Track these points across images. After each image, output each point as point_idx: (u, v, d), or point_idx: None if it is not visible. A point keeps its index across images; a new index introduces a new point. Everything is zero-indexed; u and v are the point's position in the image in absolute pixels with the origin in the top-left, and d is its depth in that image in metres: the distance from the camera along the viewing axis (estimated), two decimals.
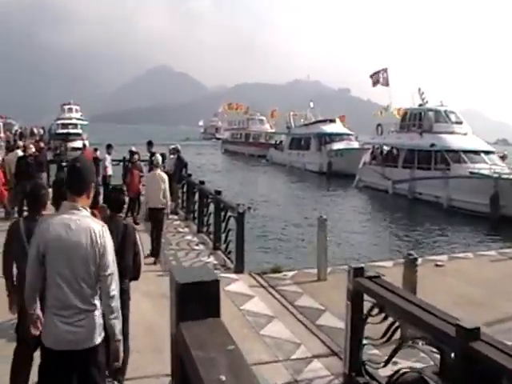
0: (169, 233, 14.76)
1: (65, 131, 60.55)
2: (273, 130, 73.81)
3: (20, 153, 16.01)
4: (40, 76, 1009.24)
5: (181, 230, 15.64)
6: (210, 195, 14.58)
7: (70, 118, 66.35)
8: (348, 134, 52.31)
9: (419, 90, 35.56)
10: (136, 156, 16.74)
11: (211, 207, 14.62)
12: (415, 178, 31.53)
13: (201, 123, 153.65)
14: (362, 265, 6.63)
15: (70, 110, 69.66)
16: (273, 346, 7.47)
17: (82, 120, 68.83)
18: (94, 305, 3.67)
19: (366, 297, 6.10)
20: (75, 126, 64.07)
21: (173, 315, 2.74)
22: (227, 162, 66.28)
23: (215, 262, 12.06)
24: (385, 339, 5.63)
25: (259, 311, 8.94)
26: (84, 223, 3.62)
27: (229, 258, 12.27)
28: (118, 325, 3.76)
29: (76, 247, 3.55)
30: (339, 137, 51.00)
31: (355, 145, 48.85)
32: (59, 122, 65.30)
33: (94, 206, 4.84)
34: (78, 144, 57.27)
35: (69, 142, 56.41)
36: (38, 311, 3.81)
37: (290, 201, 31.15)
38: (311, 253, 17.20)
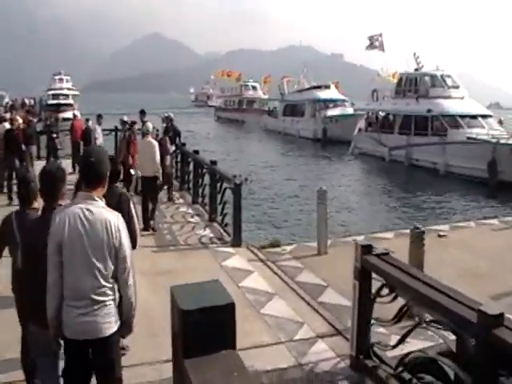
0: (162, 204, 14.39)
1: (56, 102, 60.02)
2: (266, 97, 72.95)
3: (7, 126, 15.46)
4: (29, 47, 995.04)
5: (175, 200, 15.24)
6: (204, 165, 14.15)
7: (61, 89, 65.75)
8: (343, 100, 51.71)
9: (414, 54, 34.90)
10: (136, 126, 16.23)
11: (206, 178, 14.23)
12: (412, 145, 31.15)
13: (192, 90, 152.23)
14: (369, 242, 6.24)
15: (61, 80, 68.96)
16: (274, 326, 7.13)
17: (73, 90, 67.93)
18: (110, 295, 3.69)
19: (373, 275, 5.75)
20: (66, 96, 63.49)
21: (175, 349, 2.18)
22: (220, 129, 65.69)
23: (211, 235, 11.69)
24: (395, 320, 5.30)
25: (259, 288, 8.60)
26: (100, 214, 3.62)
27: (225, 231, 11.90)
28: (133, 311, 3.88)
29: (92, 238, 3.56)
30: (334, 103, 50.50)
31: (350, 111, 48.31)
32: (50, 92, 64.72)
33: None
34: (69, 114, 56.96)
35: (60, 112, 55.69)
36: (57, 323, 3.71)
37: (285, 170, 30.63)
38: (309, 225, 16.91)
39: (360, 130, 42.08)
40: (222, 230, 12.06)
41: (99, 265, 3.58)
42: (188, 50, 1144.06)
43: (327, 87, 53.05)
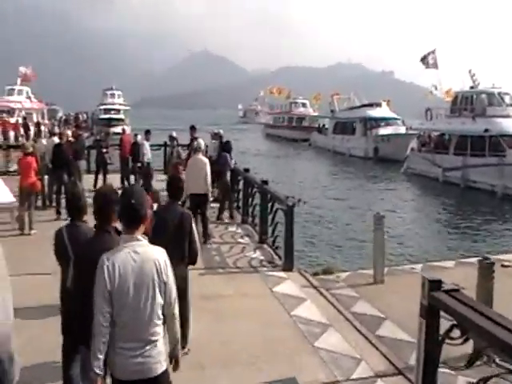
0: (211, 223, 14.07)
1: (107, 116, 61.15)
2: (316, 114, 72.46)
3: (56, 140, 15.49)
4: (81, 62, 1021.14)
5: (224, 219, 14.90)
6: (255, 185, 13.77)
7: (113, 104, 66.89)
8: (395, 119, 50.78)
9: (470, 71, 33.75)
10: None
11: (257, 197, 13.87)
12: (468, 166, 30.04)
13: (240, 107, 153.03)
14: (436, 276, 5.68)
15: (113, 95, 70.21)
16: (330, 361, 6.65)
17: (124, 105, 69.05)
18: (159, 333, 3.71)
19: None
20: (118, 111, 64.56)
21: None
22: (270, 146, 65.36)
23: (262, 258, 11.29)
24: (467, 365, 4.76)
25: (312, 318, 8.15)
26: (147, 254, 3.64)
27: (276, 254, 11.47)
28: (179, 345, 3.98)
29: (144, 281, 3.57)
30: (386, 121, 49.66)
31: (402, 130, 47.32)
32: (102, 107, 65.89)
33: (146, 190, 4.87)
34: (120, 129, 57.76)
35: (111, 127, 56.89)
36: (101, 371, 3.63)
37: (336, 190, 29.92)
38: (363, 250, 16.34)
39: (413, 149, 41.24)
40: (272, 253, 11.64)
41: (152, 306, 3.60)
42: (236, 66, 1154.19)
43: (379, 105, 52.28)
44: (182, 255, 6.02)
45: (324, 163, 47.24)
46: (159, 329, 3.69)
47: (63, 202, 14.48)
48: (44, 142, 16.76)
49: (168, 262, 3.71)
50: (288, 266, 10.49)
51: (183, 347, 5.88)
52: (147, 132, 18.49)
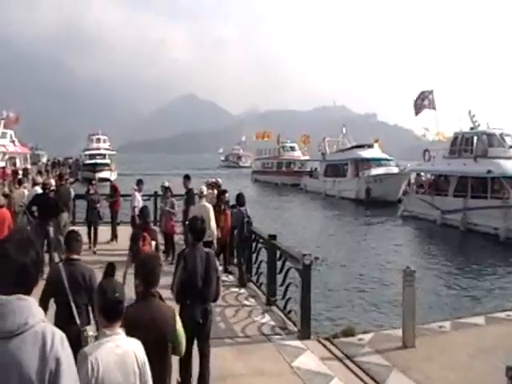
0: None
1: (92, 162, 59.99)
2: (306, 158, 71.49)
3: (39, 190, 14.12)
4: (66, 105, 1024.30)
5: (225, 278, 13.47)
6: (260, 239, 12.49)
7: (98, 149, 65.89)
8: (387, 160, 50.12)
9: (469, 112, 32.99)
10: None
11: (262, 253, 12.64)
12: (469, 208, 29.04)
13: (221, 151, 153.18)
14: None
15: (98, 140, 69.60)
16: None
17: (109, 150, 68.11)
18: None
19: None
20: (103, 156, 63.61)
21: None
22: (260, 192, 63.42)
23: (272, 323, 9.95)
24: None
25: None
26: (128, 347, 3.59)
27: (289, 319, 10.12)
28: None
29: (126, 371, 3.49)
30: (377, 162, 48.95)
31: (395, 170, 46.49)
32: (87, 152, 64.91)
33: (145, 228, 6.39)
34: (106, 174, 56.75)
35: (96, 172, 55.79)
36: None
37: (330, 238, 28.32)
38: (383, 306, 15.04)
39: (405, 192, 40.39)
40: (284, 318, 10.29)
41: None
42: (222, 110, 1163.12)
43: (370, 146, 51.74)
44: (210, 291, 6.54)
45: (315, 208, 45.72)
46: None
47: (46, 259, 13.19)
48: (26, 191, 15.35)
49: (143, 354, 3.67)
50: (305, 334, 9.19)
51: None
52: (139, 182, 16.64)
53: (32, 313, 2.41)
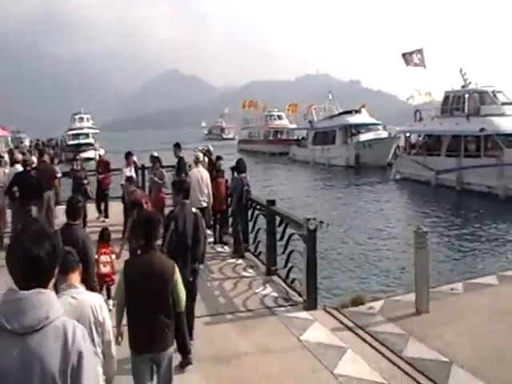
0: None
1: (76, 142, 58.60)
2: (293, 126, 70.41)
3: (19, 168, 13.24)
4: (52, 88, 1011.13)
5: (220, 249, 12.81)
6: (258, 206, 11.80)
7: (81, 128, 64.44)
8: (375, 124, 49.34)
9: (461, 70, 32.06)
10: (221, 161, 13.75)
11: (260, 220, 12.03)
12: (464, 167, 28.46)
13: (203, 124, 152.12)
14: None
15: (81, 119, 67.87)
16: None
17: (93, 129, 66.59)
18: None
19: None
20: (86, 135, 62.30)
21: None
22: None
23: (275, 295, 9.32)
24: None
25: (364, 376, 6.36)
26: (85, 301, 3.85)
27: (292, 289, 9.50)
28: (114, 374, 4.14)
29: (81, 321, 3.21)
30: (366, 127, 48.27)
31: (384, 135, 45.78)
32: (70, 132, 63.53)
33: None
34: (91, 154, 55.43)
35: (80, 152, 54.33)
36: None
37: (323, 204, 27.58)
38: (388, 270, 14.48)
39: (396, 154, 39.97)
40: (287, 288, 9.65)
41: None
42: (205, 84, 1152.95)
43: (358, 112, 50.64)
44: (198, 252, 6.65)
45: (305, 176, 44.83)
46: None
47: None
48: (6, 170, 14.40)
49: (103, 305, 3.93)
50: (312, 305, 8.57)
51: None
52: (127, 155, 14.96)
53: (52, 307, 2.33)
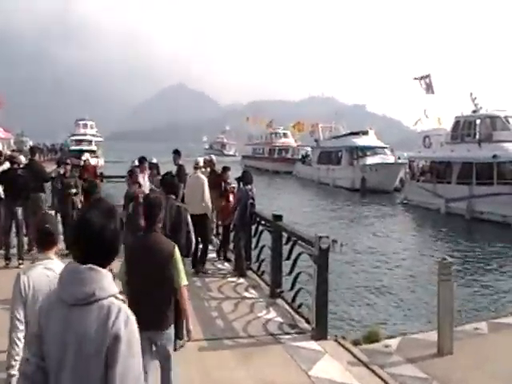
0: (202, 273, 11.03)
1: (78, 148, 57.83)
2: (298, 144, 69.63)
3: (7, 165, 12.26)
4: (56, 96, 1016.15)
5: (220, 266, 11.82)
6: (262, 221, 10.82)
7: (85, 134, 63.73)
8: (383, 147, 48.48)
9: (471, 94, 31.22)
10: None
11: (263, 237, 11.06)
12: (476, 195, 27.46)
13: (204, 139, 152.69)
14: None
15: (85, 125, 67.45)
16: None
17: (96, 136, 65.91)
18: None
19: None
20: (89, 142, 61.54)
21: None
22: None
23: (280, 320, 8.33)
24: None
25: None
26: (59, 270, 3.18)
27: (300, 315, 8.49)
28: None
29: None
30: (373, 150, 47.34)
31: (391, 159, 44.91)
32: (73, 138, 62.90)
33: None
34: (93, 161, 54.64)
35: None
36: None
37: (333, 225, 26.04)
38: (402, 304, 13.38)
39: (402, 179, 39.25)
40: (292, 313, 8.65)
41: None
42: (210, 100, 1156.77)
43: (365, 133, 49.90)
44: (178, 244, 5.62)
45: (308, 195, 43.85)
46: None
47: (14, 242, 11.44)
48: None
49: None
50: (321, 334, 7.57)
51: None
52: (142, 160, 13.31)
53: (101, 285, 2.37)
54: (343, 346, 7.40)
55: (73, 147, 59.42)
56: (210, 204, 11.28)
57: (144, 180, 12.50)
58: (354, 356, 7.08)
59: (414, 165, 37.01)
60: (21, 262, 10.81)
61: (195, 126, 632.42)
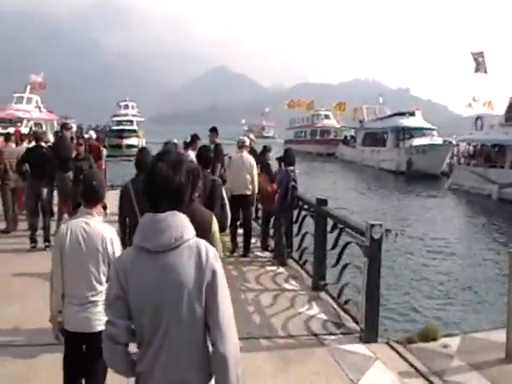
0: (240, 261, 10.19)
1: (119, 128, 58.10)
2: (341, 125, 67.96)
3: (25, 145, 11.60)
4: (100, 81, 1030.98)
5: (259, 253, 10.95)
6: (305, 205, 9.87)
7: (126, 115, 63.93)
8: (430, 129, 46.41)
9: None
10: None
11: (306, 223, 10.13)
12: None
13: (243, 121, 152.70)
14: None
15: (126, 106, 67.71)
16: None
17: (138, 117, 65.89)
18: (99, 295, 4.09)
19: None
20: (131, 122, 61.72)
21: None
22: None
23: (323, 317, 7.43)
24: None
25: None
26: (97, 228, 4.16)
27: (347, 312, 7.55)
28: None
29: (89, 245, 4.09)
30: (420, 132, 45.25)
31: (439, 141, 43.03)
32: (114, 119, 63.32)
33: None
34: (134, 141, 54.57)
35: (124, 138, 54.40)
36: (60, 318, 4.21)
37: (379, 211, 24.73)
38: (453, 294, 12.35)
39: (450, 162, 37.28)
40: (339, 309, 7.71)
41: (92, 270, 4.11)
42: (252, 83, 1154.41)
43: (412, 114, 47.94)
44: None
45: (350, 178, 42.58)
46: (99, 291, 4.10)
47: (41, 224, 10.80)
48: (13, 145, 12.81)
49: (115, 240, 4.20)
50: (371, 336, 6.64)
51: None
52: (194, 138, 12.08)
53: (186, 228, 2.50)
54: (396, 351, 6.45)
55: (114, 127, 59.59)
56: (256, 186, 10.61)
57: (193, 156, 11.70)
58: (411, 364, 6.12)
59: (460, 148, 35.51)
60: (47, 244, 10.27)
61: (236, 108, 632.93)
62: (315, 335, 6.78)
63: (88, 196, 4.26)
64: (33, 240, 10.41)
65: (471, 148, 34.81)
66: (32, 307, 6.82)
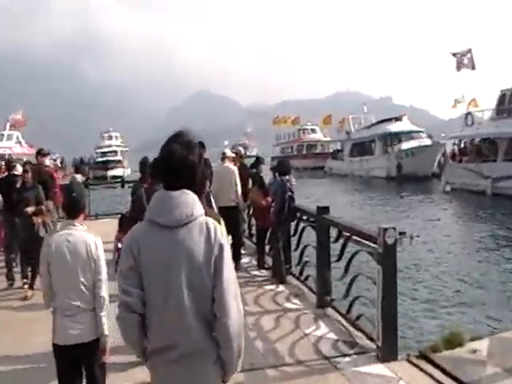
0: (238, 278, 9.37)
1: (104, 159, 58.12)
2: (328, 139, 67.73)
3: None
4: (82, 108, 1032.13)
5: (255, 272, 10.18)
6: (304, 215, 9.11)
7: (110, 146, 63.94)
8: (418, 132, 46.36)
9: None
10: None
11: (306, 235, 9.39)
12: None
13: (226, 143, 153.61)
14: None
15: (110, 137, 68.00)
16: None
17: (122, 147, 65.84)
18: (90, 304, 4.17)
19: None
20: (115, 153, 61.61)
21: None
22: None
23: (332, 337, 6.65)
24: None
25: None
26: (80, 238, 4.22)
27: (360, 330, 6.76)
28: (106, 321, 4.17)
29: (75, 255, 4.15)
30: (408, 135, 45.24)
31: (428, 142, 42.84)
32: (98, 150, 63.41)
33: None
34: (119, 172, 54.27)
35: (108, 170, 54.40)
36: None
37: (375, 216, 24.13)
38: (470, 297, 11.60)
39: (440, 162, 37.27)
40: (349, 327, 6.93)
41: (80, 279, 4.15)
42: (235, 103, 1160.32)
43: (398, 119, 47.74)
44: None
45: (347, 190, 41.62)
46: (90, 300, 4.16)
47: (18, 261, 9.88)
48: None
49: (99, 246, 4.25)
50: (390, 353, 5.87)
51: None
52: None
53: (196, 206, 2.62)
54: (419, 368, 5.69)
55: (98, 159, 59.59)
56: (240, 196, 10.41)
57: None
58: (437, 381, 5.37)
59: (447, 148, 35.29)
60: (25, 281, 9.15)
61: (219, 130, 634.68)
62: (327, 358, 6.01)
63: (69, 208, 4.36)
64: (8, 277, 9.52)
65: (462, 145, 34.58)
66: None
